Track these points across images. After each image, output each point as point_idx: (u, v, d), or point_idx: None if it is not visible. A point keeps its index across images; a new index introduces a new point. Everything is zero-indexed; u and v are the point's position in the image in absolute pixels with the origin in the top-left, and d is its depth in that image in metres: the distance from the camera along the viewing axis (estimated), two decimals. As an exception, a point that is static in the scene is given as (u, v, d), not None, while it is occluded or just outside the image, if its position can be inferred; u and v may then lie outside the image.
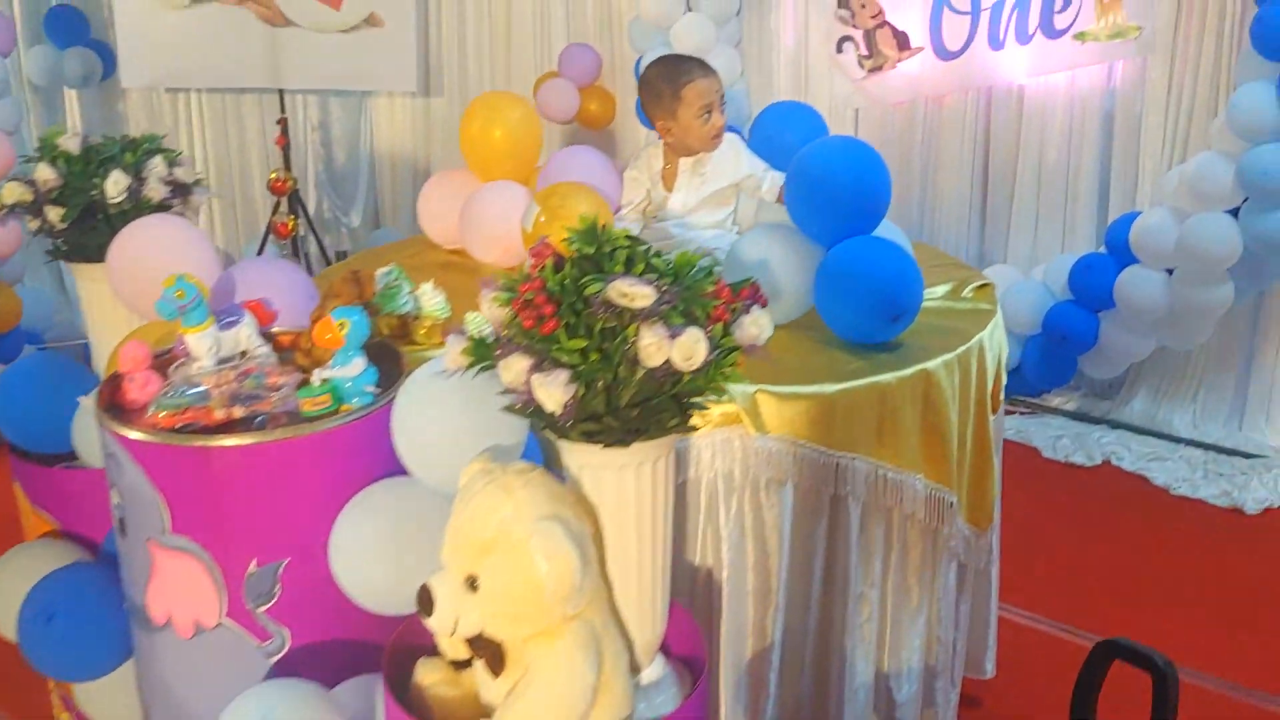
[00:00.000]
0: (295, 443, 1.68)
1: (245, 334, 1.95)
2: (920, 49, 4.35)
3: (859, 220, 2.15)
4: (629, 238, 1.49)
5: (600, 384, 1.43)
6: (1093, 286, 3.86)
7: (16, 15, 5.10)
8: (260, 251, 5.04)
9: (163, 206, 2.25)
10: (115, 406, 1.82)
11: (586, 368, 1.40)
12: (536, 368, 1.41)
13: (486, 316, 1.49)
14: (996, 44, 4.19)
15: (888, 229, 2.28)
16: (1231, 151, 3.51)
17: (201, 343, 1.88)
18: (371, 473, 1.75)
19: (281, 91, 4.92)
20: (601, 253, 1.47)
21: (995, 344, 2.30)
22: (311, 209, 5.83)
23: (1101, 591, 3.16)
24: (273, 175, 4.87)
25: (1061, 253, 4.20)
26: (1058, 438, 4.00)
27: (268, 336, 2.04)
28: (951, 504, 2.11)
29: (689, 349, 1.38)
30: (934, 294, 2.41)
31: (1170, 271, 3.71)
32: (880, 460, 2.01)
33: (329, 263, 5.28)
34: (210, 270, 2.12)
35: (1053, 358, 4.00)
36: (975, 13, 4.21)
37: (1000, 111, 4.28)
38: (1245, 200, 3.50)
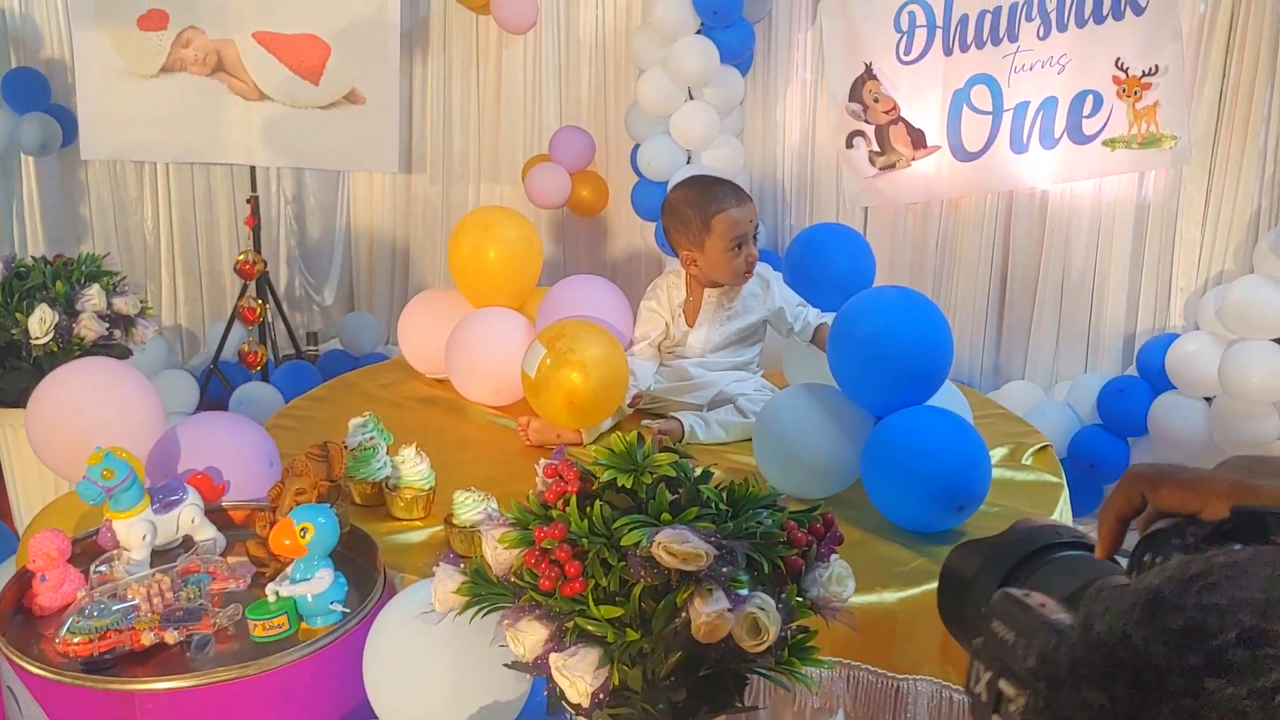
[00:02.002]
0: (241, 684, 1.35)
1: (187, 516, 1.63)
2: (937, 148, 4.10)
3: (915, 388, 1.85)
4: (674, 464, 1.17)
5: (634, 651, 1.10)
6: (1124, 412, 3.58)
7: (-29, 78, 4.78)
8: (225, 335, 4.70)
9: (102, 344, 1.93)
10: (22, 614, 1.48)
11: (621, 645, 1.07)
12: (556, 641, 1.09)
13: (490, 560, 1.17)
14: (1019, 147, 3.94)
15: (945, 390, 1.98)
16: (1278, 277, 3.26)
17: (133, 531, 1.56)
18: (335, 713, 1.42)
19: (253, 168, 4.60)
20: (640, 483, 1.15)
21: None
22: (282, 286, 5.51)
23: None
24: (240, 257, 4.55)
25: (1086, 372, 3.93)
26: (1082, 572, 3.69)
27: (216, 513, 1.71)
28: (1021, 724, 1.79)
29: (758, 624, 1.07)
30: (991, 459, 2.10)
31: (1209, 400, 3.45)
32: (946, 680, 1.69)
33: (297, 349, 4.96)
34: (151, 427, 1.79)
35: (1078, 485, 3.68)
36: (997, 113, 3.96)
37: (1021, 218, 4.01)
38: (1294, 329, 3.25)
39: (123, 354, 1.95)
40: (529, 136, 5.02)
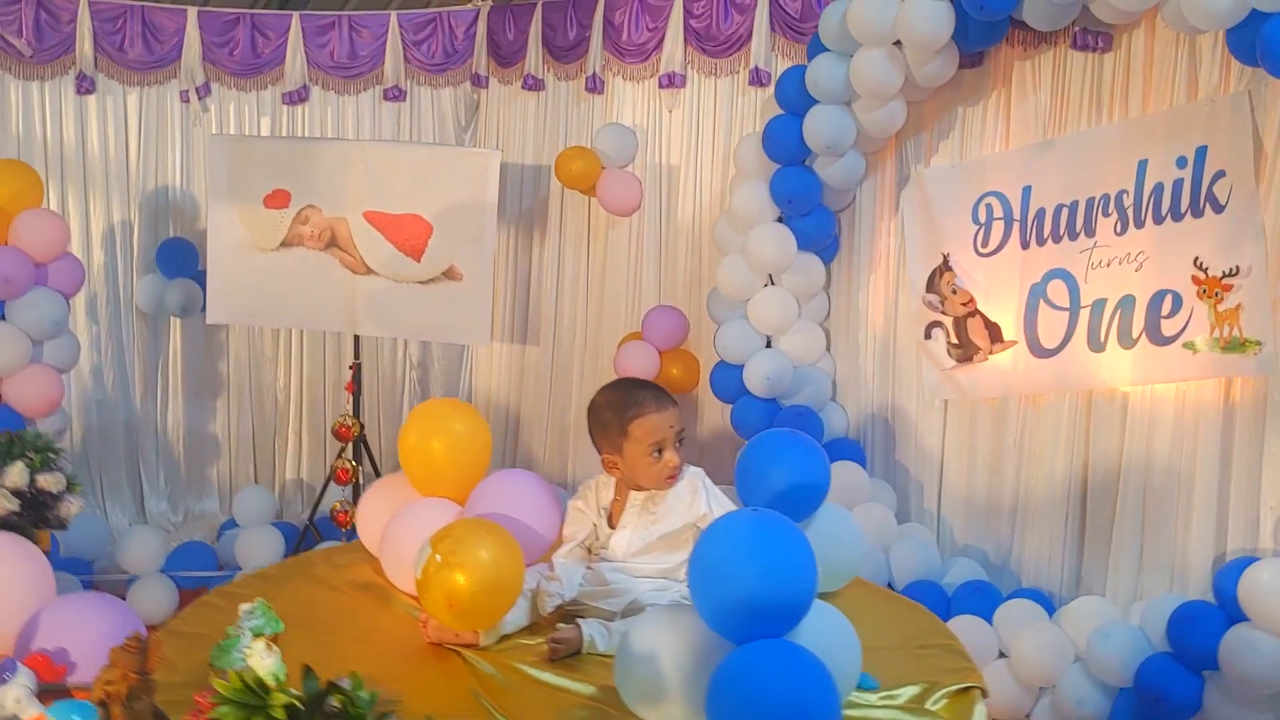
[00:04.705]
0: None
1: (13, 697, 1.69)
2: (1014, 342, 3.94)
3: (768, 620, 1.74)
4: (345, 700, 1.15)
5: None
6: (1195, 641, 3.24)
7: (136, 245, 5.30)
8: (321, 494, 4.91)
9: (14, 519, 2.06)
10: None
11: None
12: None
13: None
14: (1097, 345, 3.73)
15: (827, 621, 1.86)
16: (1363, 503, 2.93)
17: (-49, 709, 1.63)
18: None
19: (357, 337, 4.87)
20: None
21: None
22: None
23: None
24: (338, 420, 4.79)
25: (1170, 591, 3.59)
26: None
27: (59, 693, 1.78)
28: None
29: None
30: (893, 699, 1.96)
31: (1290, 636, 3.09)
32: None
33: (392, 511, 5.11)
34: (30, 604, 1.89)
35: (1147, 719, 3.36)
36: (1074, 309, 3.78)
37: (1101, 419, 3.77)
38: (1380, 564, 2.90)
39: (59, 526, 2.09)
40: (629, 313, 5.12)
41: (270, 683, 1.91)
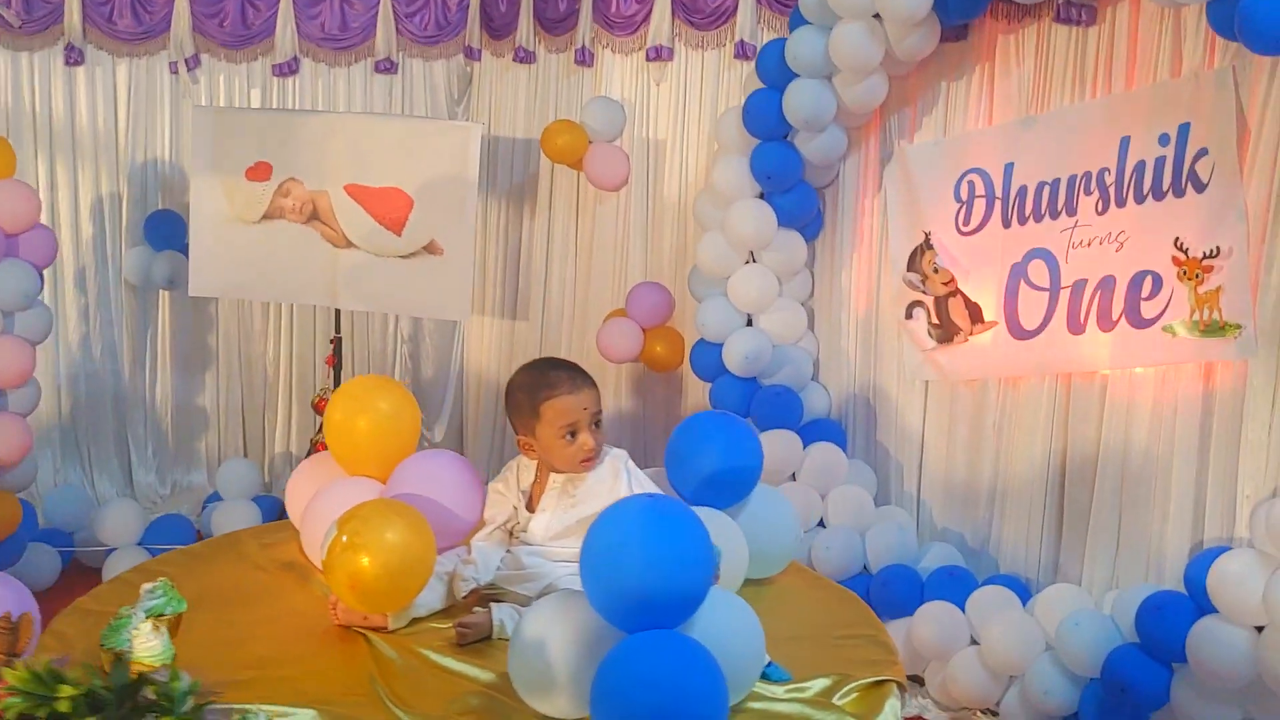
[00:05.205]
0: None
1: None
2: (994, 323, 3.85)
3: (659, 611, 1.69)
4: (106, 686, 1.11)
5: None
6: (1163, 632, 3.16)
7: (124, 217, 5.29)
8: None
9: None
10: None
11: None
12: None
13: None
14: (1076, 327, 3.63)
15: (725, 603, 1.80)
16: (1335, 494, 2.84)
17: None
18: None
19: (338, 311, 4.84)
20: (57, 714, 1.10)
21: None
22: (393, 421, 5.71)
23: None
24: (317, 395, 4.77)
25: (1146, 579, 3.51)
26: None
27: (-58, 672, 1.74)
28: None
29: None
30: (801, 691, 1.89)
31: (1261, 629, 3.00)
32: None
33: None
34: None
35: (1111, 711, 3.28)
36: (1055, 290, 3.69)
37: (1080, 403, 3.68)
38: (1350, 557, 2.80)
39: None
40: (615, 289, 5.06)
41: (153, 664, 1.88)
